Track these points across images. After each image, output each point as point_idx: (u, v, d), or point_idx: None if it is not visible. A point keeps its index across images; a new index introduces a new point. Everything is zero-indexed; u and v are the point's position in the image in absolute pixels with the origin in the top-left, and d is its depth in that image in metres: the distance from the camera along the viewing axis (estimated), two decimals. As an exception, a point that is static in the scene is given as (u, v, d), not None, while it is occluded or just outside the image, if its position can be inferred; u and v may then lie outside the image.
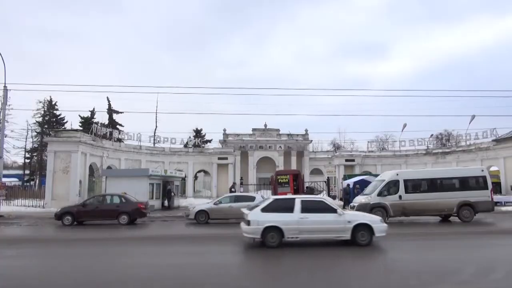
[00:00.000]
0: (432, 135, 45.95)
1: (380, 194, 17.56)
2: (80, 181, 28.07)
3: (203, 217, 18.03)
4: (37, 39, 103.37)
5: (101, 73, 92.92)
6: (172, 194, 28.04)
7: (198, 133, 56.25)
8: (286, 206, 10.87)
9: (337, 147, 59.09)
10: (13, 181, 43.62)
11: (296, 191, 28.51)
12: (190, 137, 51.02)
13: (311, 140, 51.72)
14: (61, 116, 53.02)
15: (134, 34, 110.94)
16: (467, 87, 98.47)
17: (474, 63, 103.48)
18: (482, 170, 18.62)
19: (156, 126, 51.29)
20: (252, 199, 18.70)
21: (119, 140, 38.14)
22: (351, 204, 18.84)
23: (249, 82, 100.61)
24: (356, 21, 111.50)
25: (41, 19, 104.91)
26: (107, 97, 51.93)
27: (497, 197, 24.24)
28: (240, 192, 34.11)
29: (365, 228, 10.52)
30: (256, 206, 18.36)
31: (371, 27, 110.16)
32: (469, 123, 34.94)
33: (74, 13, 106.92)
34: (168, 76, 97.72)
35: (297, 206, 10.73)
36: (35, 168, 52.69)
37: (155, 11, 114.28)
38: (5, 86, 22.69)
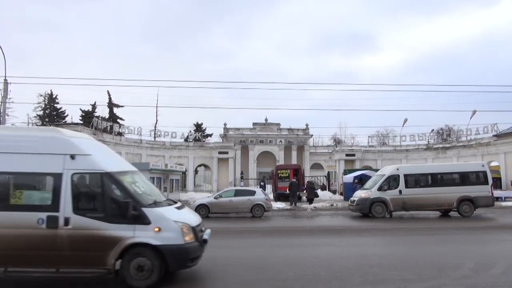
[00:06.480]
0: (433, 130, 46.02)
1: (380, 188, 17.58)
2: (81, 175, 28.07)
3: (203, 211, 18.04)
4: (16, 31, 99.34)
5: (84, 64, 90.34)
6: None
7: (198, 127, 56.26)
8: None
9: (337, 142, 59.11)
10: (14, 175, 43.70)
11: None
12: (190, 131, 51.06)
13: (312, 135, 51.71)
14: (62, 109, 53.07)
15: (112, 23, 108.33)
16: (459, 81, 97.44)
17: (461, 53, 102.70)
18: (483, 165, 18.62)
19: (157, 120, 51.37)
20: (252, 193, 18.73)
21: (120, 134, 38.18)
22: (351, 198, 18.87)
23: (235, 75, 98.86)
24: (340, 11, 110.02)
25: (19, 10, 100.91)
26: (108, 91, 51.96)
27: (497, 192, 24.27)
28: (240, 186, 34.17)
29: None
30: (257, 199, 18.67)
31: (355, 17, 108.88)
32: (470, 118, 34.94)
33: (48, 3, 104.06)
34: (150, 68, 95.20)
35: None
36: (35, 162, 52.77)
37: (133, 2, 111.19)
38: (5, 79, 22.62)
